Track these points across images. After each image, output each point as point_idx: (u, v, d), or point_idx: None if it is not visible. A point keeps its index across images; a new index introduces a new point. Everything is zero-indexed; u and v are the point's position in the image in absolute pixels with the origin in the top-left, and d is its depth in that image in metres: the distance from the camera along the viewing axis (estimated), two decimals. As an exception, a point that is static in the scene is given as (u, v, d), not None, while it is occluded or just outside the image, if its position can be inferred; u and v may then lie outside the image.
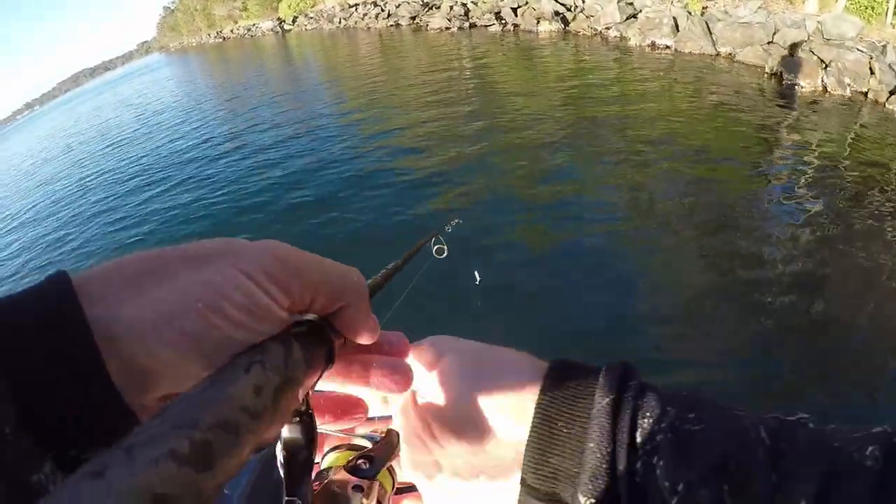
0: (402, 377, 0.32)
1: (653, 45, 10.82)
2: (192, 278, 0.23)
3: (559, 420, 0.29)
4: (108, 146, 13.20)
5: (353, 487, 0.33)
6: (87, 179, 10.42)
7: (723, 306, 3.44)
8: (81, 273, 0.22)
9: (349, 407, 0.33)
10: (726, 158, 5.70)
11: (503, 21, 15.68)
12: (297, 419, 0.27)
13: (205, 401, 0.18)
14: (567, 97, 8.28)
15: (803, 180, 5.06)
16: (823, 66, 7.66)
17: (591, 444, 0.27)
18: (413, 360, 0.35)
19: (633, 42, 11.27)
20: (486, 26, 16.26)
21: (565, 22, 13.58)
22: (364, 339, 0.30)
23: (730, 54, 9.40)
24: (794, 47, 8.28)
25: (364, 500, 0.33)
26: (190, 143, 10.28)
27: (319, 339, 0.28)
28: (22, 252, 7.50)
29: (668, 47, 10.52)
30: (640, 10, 11.81)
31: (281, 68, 19.52)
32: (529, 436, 0.30)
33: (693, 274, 3.79)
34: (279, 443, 0.27)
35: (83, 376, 0.20)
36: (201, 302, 0.22)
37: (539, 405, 0.30)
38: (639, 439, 0.27)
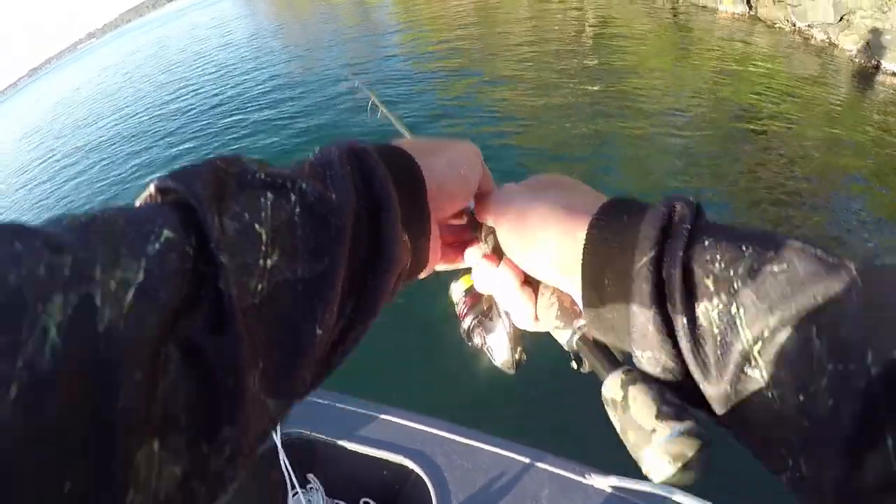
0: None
1: (877, 66, 8.39)
2: (453, 149, 0.41)
3: (605, 276, 0.30)
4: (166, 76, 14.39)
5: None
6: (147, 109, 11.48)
7: None
8: (400, 143, 0.39)
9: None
10: None
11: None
12: None
13: None
14: (719, 104, 6.33)
15: None
16: None
17: (634, 307, 0.28)
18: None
19: (847, 55, 8.84)
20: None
21: (749, 5, 10.95)
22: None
23: None
24: None
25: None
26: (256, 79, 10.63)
27: None
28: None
29: (898, 75, 8.11)
30: (854, 12, 9.20)
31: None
32: (582, 294, 0.32)
33: None
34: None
35: (420, 189, 0.35)
36: (465, 158, 0.40)
37: (584, 265, 0.32)
38: (711, 287, 0.26)
